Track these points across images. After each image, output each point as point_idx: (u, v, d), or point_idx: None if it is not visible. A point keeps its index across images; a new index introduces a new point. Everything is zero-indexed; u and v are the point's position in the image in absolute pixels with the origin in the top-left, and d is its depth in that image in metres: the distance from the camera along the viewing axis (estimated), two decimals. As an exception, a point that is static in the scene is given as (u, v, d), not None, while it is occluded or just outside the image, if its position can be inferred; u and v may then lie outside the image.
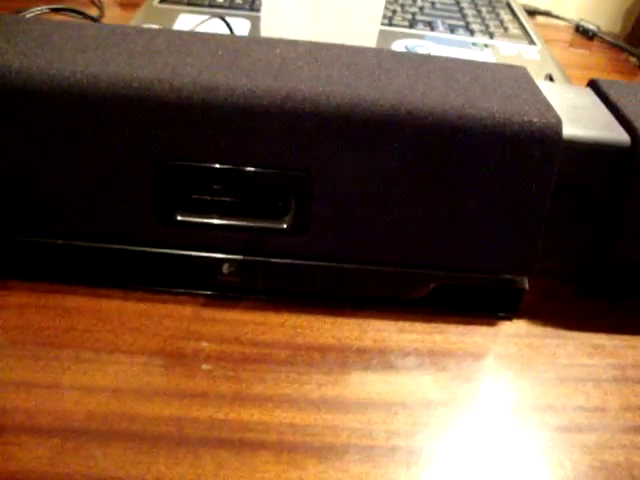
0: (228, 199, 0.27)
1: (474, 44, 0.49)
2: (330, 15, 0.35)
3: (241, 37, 0.29)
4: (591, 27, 0.60)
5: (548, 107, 0.27)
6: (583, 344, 0.29)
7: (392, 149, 0.25)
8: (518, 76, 0.29)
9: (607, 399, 0.26)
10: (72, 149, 0.25)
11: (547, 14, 0.62)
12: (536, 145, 0.26)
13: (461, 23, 0.52)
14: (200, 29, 0.44)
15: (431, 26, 0.51)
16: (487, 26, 0.52)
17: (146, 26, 0.45)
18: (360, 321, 0.28)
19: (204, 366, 0.25)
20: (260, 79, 0.25)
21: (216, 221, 0.27)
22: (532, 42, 0.51)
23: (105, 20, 0.52)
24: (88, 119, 0.25)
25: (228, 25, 0.38)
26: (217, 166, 0.25)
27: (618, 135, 0.27)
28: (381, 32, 0.48)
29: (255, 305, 0.28)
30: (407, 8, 0.53)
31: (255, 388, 0.25)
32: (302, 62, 0.27)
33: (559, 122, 0.26)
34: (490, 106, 0.26)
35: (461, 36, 0.50)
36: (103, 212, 0.26)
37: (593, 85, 0.31)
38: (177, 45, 0.27)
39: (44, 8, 0.35)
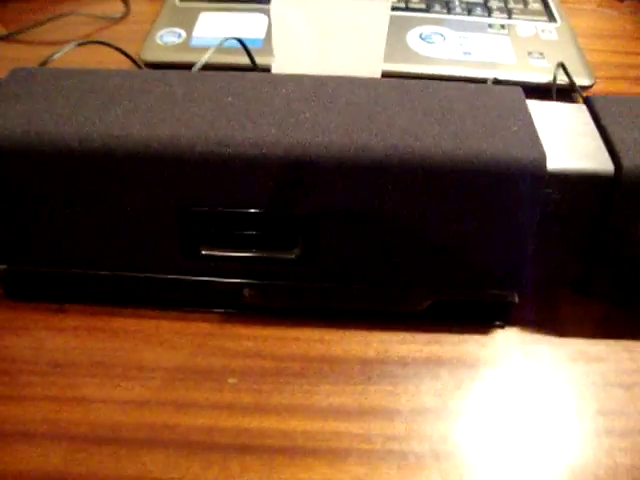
0: (245, 233, 0.31)
1: (490, 26, 0.49)
2: (337, 42, 0.36)
3: (249, 76, 0.32)
4: (620, -13, 0.58)
5: (535, 142, 0.28)
6: (569, 350, 0.32)
7: (388, 190, 0.28)
8: (511, 101, 0.31)
9: (584, 404, 0.30)
10: (108, 202, 0.29)
11: (575, -26, 0.60)
12: (521, 180, 0.28)
13: (479, 0, 0.52)
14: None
15: (448, 7, 0.51)
16: (506, 1, 0.52)
17: (170, 32, 0.48)
18: (365, 334, 0.32)
19: (230, 380, 0.30)
20: (266, 130, 0.28)
21: (235, 253, 0.31)
22: (552, 18, 0.51)
23: (131, 17, 0.55)
24: (118, 176, 0.28)
25: (245, 47, 0.39)
26: (230, 210, 0.29)
27: (602, 165, 0.29)
28: (397, 18, 0.49)
29: (274, 321, 0.32)
30: (425, -15, 0.53)
31: (274, 399, 0.30)
32: (305, 105, 0.30)
33: (543, 158, 0.28)
34: (478, 146, 0.28)
35: (478, 17, 0.50)
36: (140, 251, 0.31)
37: (588, 103, 0.32)
38: (190, 93, 0.30)
39: (72, 45, 0.38)
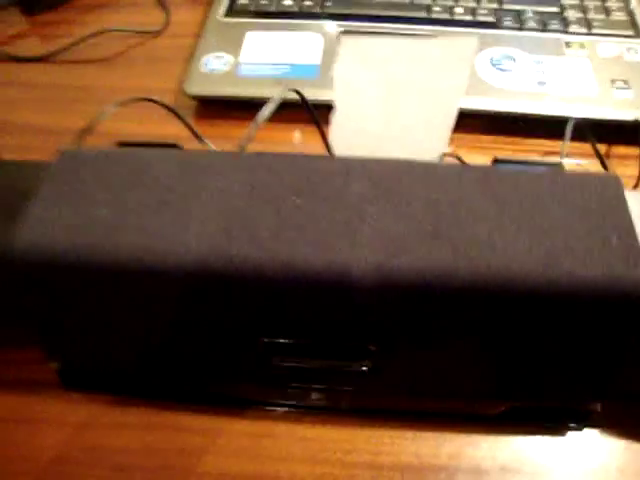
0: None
1: (568, 44, 0.44)
2: (404, 104, 0.33)
3: (316, 165, 0.29)
4: None
5: (637, 259, 0.25)
6: (654, 456, 0.30)
7: (469, 314, 0.26)
8: (609, 199, 0.28)
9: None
10: (160, 318, 0.28)
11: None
12: (618, 308, 0.25)
13: (555, 9, 0.47)
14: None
15: (520, 19, 0.46)
16: (585, 9, 0.46)
17: (215, 56, 0.44)
18: (437, 435, 0.31)
19: (299, 490, 0.29)
20: (337, 251, 0.25)
21: (307, 365, 0.29)
22: (638, 32, 0.45)
23: (171, 28, 0.51)
24: (169, 294, 0.27)
25: (305, 102, 0.36)
26: (301, 341, 0.27)
27: None
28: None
29: (341, 421, 0.31)
30: (494, -10, 0.48)
31: (344, 512, 0.29)
32: (378, 207, 0.27)
33: (647, 284, 0.25)
34: (574, 269, 0.25)
35: (554, 33, 0.45)
36: (217, 363, 0.29)
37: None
38: (250, 190, 0.28)
39: (112, 106, 0.35)
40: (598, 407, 0.30)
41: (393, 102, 0.33)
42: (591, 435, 0.31)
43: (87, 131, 0.33)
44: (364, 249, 0.26)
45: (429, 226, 0.26)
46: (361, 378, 0.29)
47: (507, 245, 0.26)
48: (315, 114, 0.35)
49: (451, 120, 0.33)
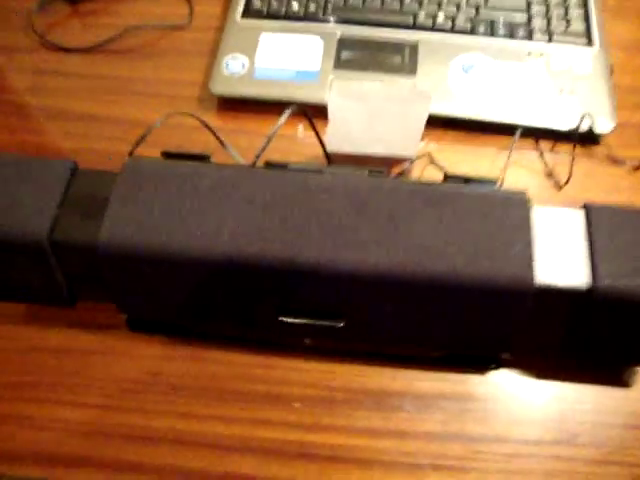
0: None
1: (529, 53, 0.53)
2: (382, 126, 0.43)
3: (310, 183, 0.39)
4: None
5: (528, 263, 0.37)
6: (544, 390, 0.43)
7: (410, 296, 0.38)
8: (518, 216, 0.38)
9: (543, 435, 0.42)
10: (221, 289, 0.40)
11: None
12: (513, 295, 0.37)
13: (523, 20, 0.54)
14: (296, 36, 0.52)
15: (492, 28, 0.54)
16: (549, 21, 0.54)
17: (234, 58, 0.54)
18: (393, 371, 0.44)
19: (295, 404, 0.43)
20: (322, 249, 0.37)
21: (302, 321, 0.41)
22: (591, 41, 0.53)
23: (195, 21, 0.59)
24: (209, 276, 0.39)
25: (312, 123, 0.45)
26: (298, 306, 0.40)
27: (579, 282, 0.37)
28: (441, 45, 0.53)
29: (327, 358, 0.44)
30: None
31: (325, 420, 0.42)
32: (351, 218, 0.38)
33: (531, 282, 0.36)
34: (480, 267, 0.36)
35: (520, 41, 0.53)
36: (240, 316, 0.42)
37: (587, 212, 0.39)
38: (265, 202, 0.39)
39: (161, 119, 0.45)
40: (508, 355, 0.42)
41: (375, 118, 0.43)
42: (504, 374, 0.44)
43: (140, 142, 0.44)
44: (340, 250, 0.37)
45: (388, 234, 0.38)
46: (339, 330, 0.42)
47: (441, 250, 0.37)
48: (315, 125, 0.46)
49: (421, 128, 0.43)
